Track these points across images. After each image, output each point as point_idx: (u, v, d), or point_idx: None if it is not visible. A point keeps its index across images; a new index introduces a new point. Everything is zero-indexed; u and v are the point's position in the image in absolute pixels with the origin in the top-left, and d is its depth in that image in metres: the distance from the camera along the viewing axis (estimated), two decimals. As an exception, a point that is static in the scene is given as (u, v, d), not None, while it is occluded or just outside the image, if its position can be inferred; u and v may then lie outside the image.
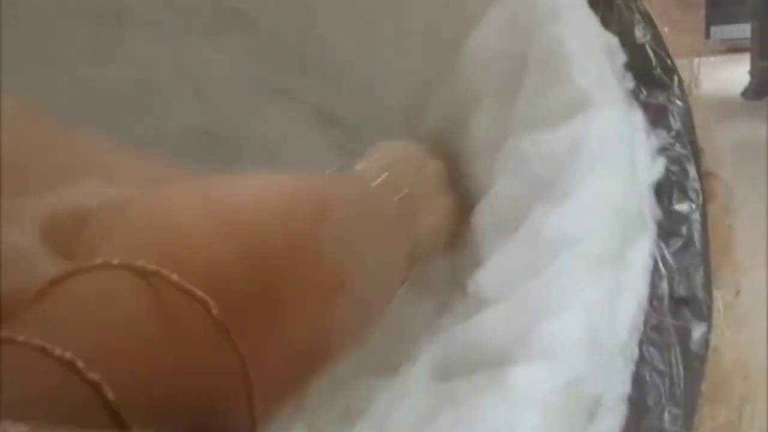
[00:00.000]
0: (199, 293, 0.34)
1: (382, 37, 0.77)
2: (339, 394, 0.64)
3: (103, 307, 0.33)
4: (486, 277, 0.55)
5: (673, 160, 0.54)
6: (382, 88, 0.78)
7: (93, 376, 0.29)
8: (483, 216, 0.61)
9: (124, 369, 0.31)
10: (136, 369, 0.32)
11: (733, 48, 6.16)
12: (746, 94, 5.38)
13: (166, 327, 0.33)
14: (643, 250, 0.50)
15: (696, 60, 0.60)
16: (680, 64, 0.59)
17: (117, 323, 0.32)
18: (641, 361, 0.46)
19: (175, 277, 0.34)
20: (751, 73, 5.55)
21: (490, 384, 0.46)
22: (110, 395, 0.29)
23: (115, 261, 0.34)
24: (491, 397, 0.44)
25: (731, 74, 5.17)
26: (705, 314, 0.48)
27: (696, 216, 0.52)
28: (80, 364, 0.29)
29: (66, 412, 0.29)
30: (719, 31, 7.78)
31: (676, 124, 0.55)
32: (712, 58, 0.63)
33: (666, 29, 0.61)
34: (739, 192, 0.55)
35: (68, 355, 0.29)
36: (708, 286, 0.49)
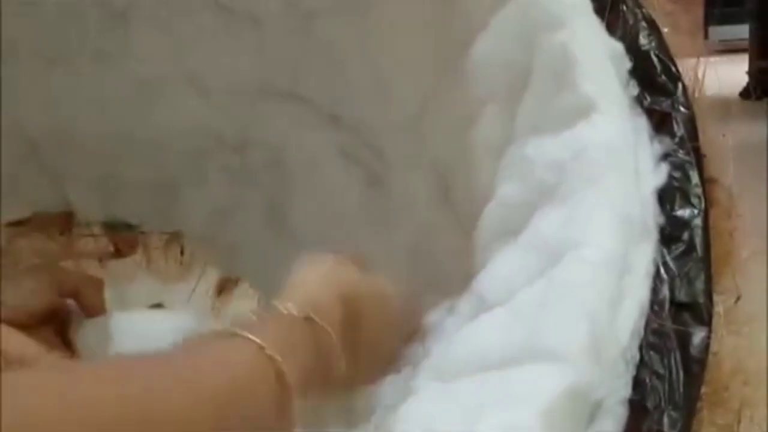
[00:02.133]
0: (324, 324, 0.51)
1: (387, 41, 0.77)
2: (342, 394, 0.64)
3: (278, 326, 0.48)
4: (489, 281, 0.56)
5: (676, 166, 0.55)
6: (388, 91, 0.79)
7: (272, 353, 0.44)
8: (487, 220, 0.61)
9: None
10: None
11: (731, 48, 6.17)
12: (744, 94, 5.38)
13: (308, 342, 0.50)
14: (645, 255, 0.51)
15: (700, 65, 0.60)
16: (681, 66, 0.60)
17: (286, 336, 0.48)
18: (642, 364, 0.46)
19: (317, 318, 0.50)
20: (750, 73, 5.56)
21: (491, 386, 0.46)
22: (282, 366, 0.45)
23: (291, 311, 0.51)
24: (493, 400, 0.45)
25: (729, 75, 5.17)
26: (705, 319, 0.48)
27: (698, 222, 0.52)
28: (266, 347, 0.44)
29: None
30: (717, 32, 7.78)
31: (679, 130, 0.56)
32: (711, 59, 0.64)
33: (665, 30, 0.61)
34: (738, 194, 0.56)
35: (262, 342, 0.44)
36: (709, 291, 0.49)
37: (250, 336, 0.43)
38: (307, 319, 0.49)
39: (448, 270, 0.68)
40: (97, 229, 0.89)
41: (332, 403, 0.55)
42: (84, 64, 0.90)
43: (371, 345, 0.56)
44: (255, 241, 0.90)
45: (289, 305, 0.49)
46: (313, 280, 0.53)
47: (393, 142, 0.80)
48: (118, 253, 0.80)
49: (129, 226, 0.82)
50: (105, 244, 0.88)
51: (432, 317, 0.63)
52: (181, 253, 0.91)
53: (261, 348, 0.42)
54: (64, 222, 0.84)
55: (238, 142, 0.91)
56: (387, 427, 0.52)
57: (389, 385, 0.59)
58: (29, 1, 0.86)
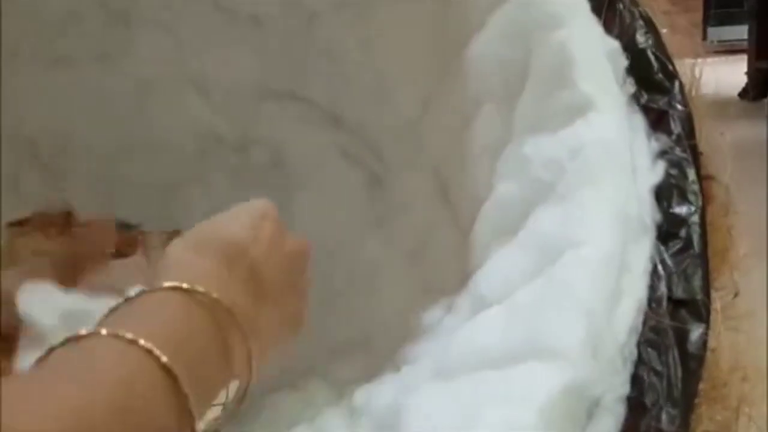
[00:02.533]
0: (214, 294, 0.40)
1: (388, 42, 0.77)
2: (342, 394, 0.64)
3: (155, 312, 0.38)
4: (487, 279, 0.56)
5: (673, 163, 0.55)
6: (388, 92, 0.79)
7: (149, 346, 0.35)
8: (485, 219, 0.61)
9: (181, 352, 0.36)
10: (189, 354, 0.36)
11: (730, 49, 6.17)
12: (744, 95, 5.38)
13: (202, 322, 0.39)
14: (642, 252, 0.51)
15: (697, 64, 0.61)
16: (679, 66, 0.60)
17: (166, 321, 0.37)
18: (639, 362, 0.46)
19: (201, 288, 0.40)
20: (748, 74, 5.56)
21: (490, 384, 0.46)
22: (166, 361, 0.35)
23: (171, 284, 0.39)
24: (491, 398, 0.45)
25: (728, 75, 5.17)
26: (703, 316, 0.48)
27: (695, 219, 0.52)
28: (141, 342, 0.35)
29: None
30: (716, 33, 7.78)
31: (676, 128, 0.56)
32: (709, 59, 0.64)
33: (664, 30, 0.61)
34: (737, 192, 0.56)
35: (133, 336, 0.35)
36: (706, 288, 0.49)
37: (127, 334, 0.34)
38: (188, 293, 0.40)
39: (447, 269, 0.68)
40: (96, 230, 0.89)
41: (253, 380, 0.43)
42: (85, 64, 0.90)
43: (277, 308, 0.47)
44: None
45: (168, 284, 0.40)
46: (183, 251, 0.44)
47: (393, 142, 0.80)
48: (119, 253, 0.80)
49: (129, 226, 0.82)
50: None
51: (431, 316, 0.64)
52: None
53: (141, 347, 0.34)
54: (64, 222, 0.83)
55: (239, 142, 0.91)
56: (387, 426, 0.52)
57: (389, 384, 0.60)
58: (31, 2, 0.87)
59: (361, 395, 0.60)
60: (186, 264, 0.42)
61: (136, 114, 0.91)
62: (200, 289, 0.39)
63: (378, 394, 0.59)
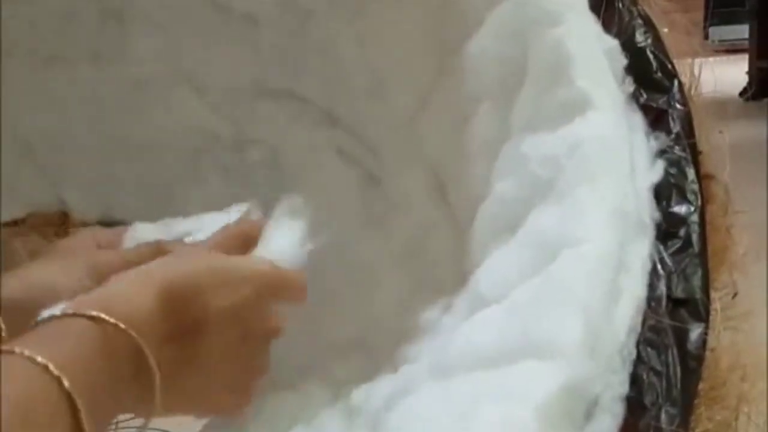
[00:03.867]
0: (122, 325, 0.38)
1: (384, 40, 0.77)
2: (340, 393, 0.64)
3: (64, 337, 0.38)
4: (485, 278, 0.56)
5: (672, 162, 0.55)
6: (384, 90, 0.79)
7: (58, 373, 0.35)
8: (482, 217, 0.61)
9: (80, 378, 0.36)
10: (87, 380, 0.36)
11: (731, 49, 6.18)
12: (744, 94, 5.39)
13: (105, 353, 0.38)
14: (641, 251, 0.51)
15: (697, 63, 0.60)
16: (679, 65, 0.60)
17: (72, 348, 0.37)
18: (639, 361, 0.46)
19: (109, 318, 0.38)
20: (749, 74, 5.57)
21: (488, 383, 0.46)
22: (68, 386, 0.35)
23: (70, 310, 0.38)
24: (489, 397, 0.45)
25: (729, 75, 5.18)
26: (702, 315, 0.48)
27: (694, 218, 0.52)
28: (50, 366, 0.35)
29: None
30: (717, 32, 7.80)
31: (675, 126, 0.56)
32: (710, 59, 0.64)
33: (665, 30, 0.61)
34: (737, 192, 0.55)
35: (43, 360, 0.35)
36: (706, 287, 0.49)
37: (31, 354, 0.35)
38: (103, 323, 0.38)
39: (445, 268, 0.68)
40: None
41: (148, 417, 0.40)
42: (80, 64, 0.90)
43: (227, 357, 0.44)
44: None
45: (84, 308, 0.39)
46: (130, 279, 0.42)
47: (389, 140, 0.80)
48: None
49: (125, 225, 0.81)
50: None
51: (428, 315, 0.63)
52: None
53: (44, 367, 0.35)
54: (60, 222, 0.83)
55: (235, 141, 0.90)
56: (385, 425, 0.52)
57: (387, 384, 0.59)
58: (26, 1, 0.86)
59: (359, 395, 0.60)
60: (128, 291, 0.41)
61: (132, 113, 0.90)
62: (122, 326, 0.39)
63: (376, 394, 0.59)
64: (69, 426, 0.35)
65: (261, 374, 0.48)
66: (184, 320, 0.42)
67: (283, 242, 0.51)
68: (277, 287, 0.46)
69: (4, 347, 0.35)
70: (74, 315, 0.38)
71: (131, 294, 0.41)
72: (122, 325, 0.39)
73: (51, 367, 0.35)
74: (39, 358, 0.35)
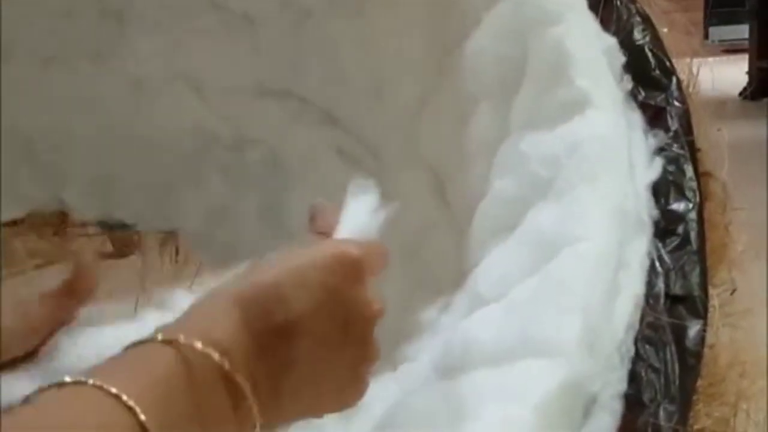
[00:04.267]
0: (203, 348, 0.36)
1: (383, 40, 0.77)
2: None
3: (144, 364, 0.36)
4: (484, 276, 0.56)
5: (671, 160, 0.55)
6: (384, 90, 0.79)
7: (131, 404, 0.32)
8: (482, 216, 0.61)
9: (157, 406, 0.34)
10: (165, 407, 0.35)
11: (731, 49, 6.18)
12: (744, 94, 5.39)
13: (186, 377, 0.36)
14: (640, 249, 0.51)
15: (695, 62, 0.60)
16: (678, 64, 0.60)
17: (152, 375, 0.36)
18: (637, 358, 0.46)
19: (187, 340, 0.36)
20: (749, 73, 5.56)
21: (487, 382, 0.46)
22: (143, 418, 0.32)
23: (157, 337, 0.36)
24: (489, 395, 0.45)
25: (729, 75, 5.18)
26: (701, 312, 0.48)
27: (692, 215, 0.52)
28: (124, 397, 0.33)
29: None
30: (717, 32, 7.80)
31: (673, 124, 0.56)
32: (710, 59, 0.64)
33: (665, 30, 0.61)
34: (737, 192, 0.55)
35: (116, 390, 0.33)
36: (704, 284, 0.49)
37: (104, 385, 0.33)
38: (184, 346, 0.36)
39: (444, 267, 0.68)
40: (92, 229, 0.89)
41: None
42: (80, 64, 0.90)
43: (321, 352, 0.41)
44: (251, 240, 0.90)
45: (172, 336, 0.37)
46: (206, 300, 0.40)
47: (389, 140, 0.80)
48: (116, 253, 0.79)
49: (124, 226, 0.81)
50: (101, 243, 0.88)
51: (428, 314, 0.63)
52: (176, 252, 0.90)
53: (117, 398, 0.33)
54: (59, 221, 0.83)
55: (234, 141, 0.91)
56: (384, 424, 0.52)
57: (387, 383, 0.59)
58: (26, 1, 0.87)
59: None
60: (209, 316, 0.38)
61: (131, 113, 0.90)
62: (203, 349, 0.36)
63: (375, 393, 0.59)
64: None
65: (373, 360, 0.44)
66: (271, 328, 0.39)
67: (358, 217, 0.49)
68: (362, 265, 0.44)
69: (74, 377, 0.33)
70: (151, 342, 0.36)
71: (211, 315, 0.38)
72: (199, 345, 0.36)
73: (125, 398, 0.32)
74: (112, 389, 0.33)
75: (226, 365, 0.37)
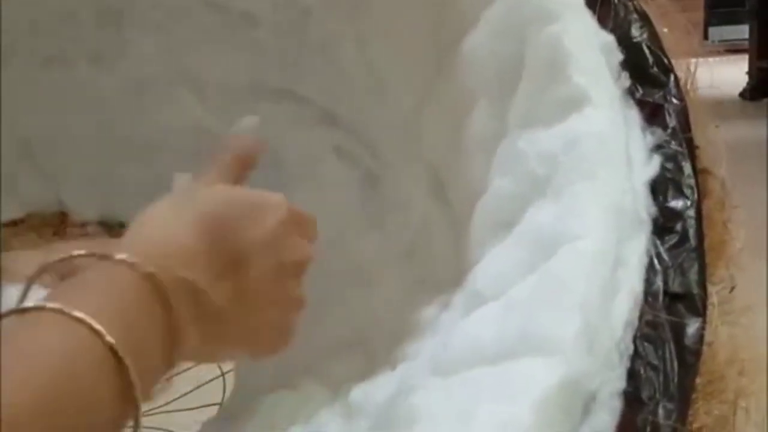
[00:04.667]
0: (180, 272, 0.36)
1: (383, 39, 0.77)
2: (338, 392, 0.64)
3: (103, 286, 0.35)
4: (483, 276, 0.56)
5: (669, 157, 0.55)
6: (383, 89, 0.79)
7: (98, 327, 0.32)
8: (480, 214, 0.61)
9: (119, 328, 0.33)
10: (133, 330, 0.34)
11: (731, 49, 6.18)
12: (744, 94, 5.39)
13: (152, 302, 0.35)
14: (638, 246, 0.51)
15: (694, 62, 0.60)
16: (678, 64, 0.60)
17: (114, 298, 0.34)
18: (636, 356, 0.46)
19: (152, 268, 0.35)
20: (749, 74, 5.57)
21: (487, 381, 0.46)
22: (110, 340, 0.32)
23: (121, 257, 0.36)
24: (488, 394, 0.45)
25: (729, 75, 5.18)
26: (699, 310, 0.48)
27: (691, 213, 0.52)
28: (88, 319, 0.32)
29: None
30: (717, 32, 7.80)
31: (671, 121, 0.56)
32: (710, 59, 0.64)
33: (665, 30, 0.61)
34: (737, 192, 0.55)
35: (79, 314, 0.32)
36: (702, 282, 0.49)
37: (65, 308, 0.32)
38: (150, 276, 0.35)
39: (443, 266, 0.68)
40: (91, 229, 0.89)
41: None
42: (80, 64, 0.90)
43: (266, 290, 0.41)
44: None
45: (125, 256, 0.35)
46: (165, 217, 0.39)
47: (388, 139, 0.80)
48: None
49: (124, 226, 0.81)
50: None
51: (427, 313, 0.63)
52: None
53: (81, 321, 0.32)
54: (59, 222, 0.83)
55: (233, 141, 0.90)
56: (384, 424, 0.52)
57: (385, 382, 0.59)
58: (26, 1, 0.87)
59: (358, 394, 0.60)
60: (161, 232, 0.38)
61: (131, 113, 0.90)
62: (158, 273, 0.36)
63: (374, 393, 0.59)
64: (116, 386, 0.32)
65: (299, 308, 0.45)
66: (227, 254, 0.39)
67: None
68: (297, 218, 0.44)
69: (34, 303, 0.32)
70: (110, 261, 0.35)
71: (171, 234, 0.38)
72: (180, 273, 0.36)
73: (89, 321, 0.32)
74: (75, 312, 0.32)
75: (196, 282, 0.36)
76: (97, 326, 0.32)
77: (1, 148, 0.84)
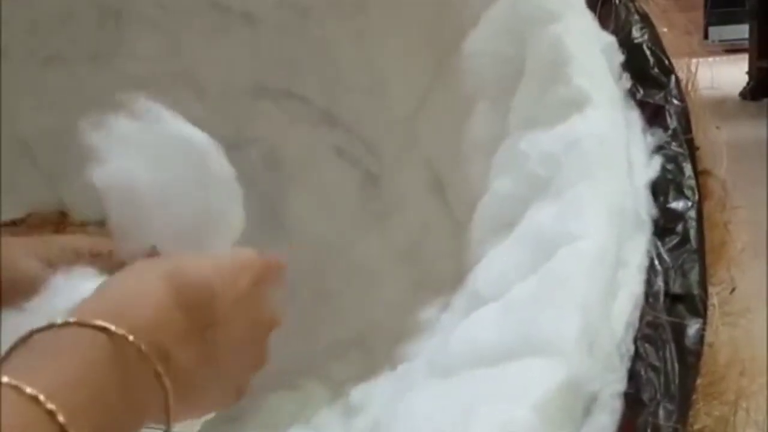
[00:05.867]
0: (130, 337, 0.35)
1: (382, 39, 0.77)
2: (339, 391, 0.64)
3: (65, 354, 0.34)
4: (483, 276, 0.56)
5: (670, 158, 0.55)
6: (383, 89, 0.79)
7: (50, 406, 0.31)
8: (481, 214, 0.61)
9: (83, 402, 0.33)
10: (91, 402, 0.33)
11: (731, 48, 6.18)
12: (744, 94, 5.39)
13: (113, 366, 0.34)
14: (639, 247, 0.51)
15: (694, 61, 0.60)
16: (678, 64, 0.60)
17: (76, 367, 0.34)
18: (636, 357, 0.46)
19: (117, 329, 0.35)
20: (749, 73, 5.57)
21: (487, 381, 0.46)
22: (63, 420, 0.31)
23: (72, 319, 0.35)
24: (488, 395, 0.45)
25: (729, 75, 5.18)
26: (700, 311, 0.48)
27: (692, 214, 0.52)
28: (41, 398, 0.31)
29: None
30: (717, 32, 7.81)
31: (672, 122, 0.56)
32: (710, 59, 0.64)
33: (665, 30, 0.61)
34: (737, 192, 0.55)
35: (32, 391, 0.31)
36: (703, 282, 0.49)
37: (20, 385, 0.31)
38: (113, 334, 0.34)
39: (443, 267, 0.68)
40: (91, 229, 0.89)
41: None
42: (79, 63, 0.90)
43: (235, 351, 0.41)
44: (250, 240, 0.90)
45: (90, 318, 0.35)
46: (136, 276, 0.39)
47: (388, 139, 0.80)
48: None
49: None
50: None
51: (427, 314, 0.63)
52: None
53: (34, 399, 0.31)
54: (59, 222, 0.83)
55: (233, 140, 0.90)
56: (384, 424, 0.52)
57: (386, 383, 0.59)
58: (26, 1, 0.87)
59: (358, 394, 0.60)
60: (135, 294, 0.37)
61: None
62: (129, 337, 0.35)
63: (374, 393, 0.59)
64: None
65: (262, 365, 0.45)
66: (201, 316, 0.39)
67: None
68: (266, 273, 0.45)
69: None
70: (79, 325, 0.35)
71: (144, 294, 0.38)
72: (131, 337, 0.35)
73: (42, 398, 0.31)
74: (28, 389, 0.31)
75: (143, 347, 0.35)
76: (50, 406, 0.31)
77: (1, 148, 0.84)
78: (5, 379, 0.31)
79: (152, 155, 0.46)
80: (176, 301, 0.38)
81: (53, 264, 0.46)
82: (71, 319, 0.35)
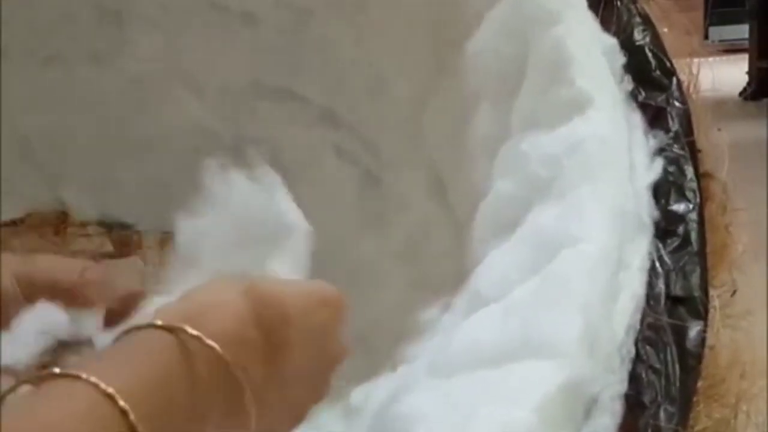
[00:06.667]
0: (208, 341, 0.35)
1: (383, 39, 0.77)
2: (339, 393, 0.64)
3: (143, 356, 0.35)
4: (485, 277, 0.56)
5: (671, 160, 0.55)
6: (383, 89, 0.79)
7: (124, 405, 0.32)
8: (482, 215, 0.61)
9: (154, 403, 0.34)
10: (162, 404, 0.34)
11: (731, 49, 6.18)
12: (744, 94, 5.39)
13: (187, 371, 0.35)
14: (640, 249, 0.51)
15: (695, 61, 0.60)
16: (679, 65, 0.60)
17: (152, 369, 0.34)
18: (637, 359, 0.46)
19: (194, 331, 0.35)
20: (749, 73, 5.57)
21: (487, 383, 0.46)
22: (134, 419, 0.32)
23: (158, 322, 0.36)
24: (489, 396, 0.45)
25: (729, 75, 5.18)
26: (701, 313, 0.48)
27: (693, 216, 0.52)
28: (116, 396, 0.32)
29: None
30: (718, 32, 7.81)
31: (674, 125, 0.56)
32: (710, 59, 0.64)
33: (665, 30, 0.61)
34: (737, 192, 0.55)
35: (110, 389, 0.32)
36: (704, 285, 0.49)
37: (94, 380, 0.32)
38: (190, 336, 0.35)
39: (444, 267, 0.68)
40: (91, 229, 0.89)
41: None
42: (79, 64, 0.90)
43: (300, 380, 0.41)
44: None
45: (170, 320, 0.36)
46: (216, 292, 0.39)
47: (389, 140, 0.80)
48: (116, 253, 0.79)
49: (124, 225, 0.81)
50: (101, 243, 0.88)
51: (428, 314, 0.63)
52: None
53: (110, 396, 0.32)
54: (59, 222, 0.83)
55: (233, 140, 0.90)
56: (384, 425, 0.52)
57: (386, 383, 0.59)
58: (26, 1, 0.87)
59: (358, 394, 0.60)
60: (215, 305, 0.38)
61: (130, 113, 0.90)
62: (215, 346, 0.35)
63: (375, 394, 0.59)
64: None
65: (322, 398, 0.45)
66: (274, 337, 0.39)
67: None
68: (342, 309, 0.44)
69: (71, 371, 0.32)
70: (158, 327, 0.35)
71: (224, 306, 0.38)
72: (209, 342, 0.35)
73: (117, 397, 0.32)
74: (108, 388, 0.32)
75: (231, 364, 0.35)
76: (123, 404, 0.32)
77: (1, 148, 0.84)
78: (84, 375, 0.32)
79: (242, 229, 0.46)
80: (253, 317, 0.38)
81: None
82: (158, 322, 0.35)
